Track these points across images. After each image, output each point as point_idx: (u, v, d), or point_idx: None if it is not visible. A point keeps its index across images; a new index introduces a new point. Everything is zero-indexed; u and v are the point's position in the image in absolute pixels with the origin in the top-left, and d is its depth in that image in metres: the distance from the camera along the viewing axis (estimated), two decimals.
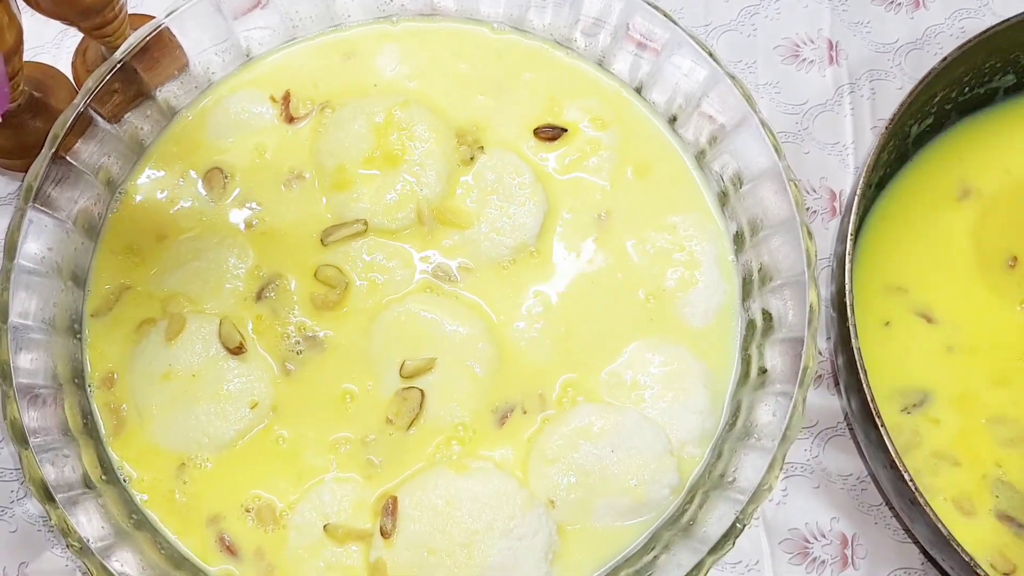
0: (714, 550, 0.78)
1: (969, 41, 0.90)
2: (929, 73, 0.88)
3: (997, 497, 0.88)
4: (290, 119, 0.95)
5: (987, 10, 1.09)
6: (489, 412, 0.87)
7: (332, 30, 0.99)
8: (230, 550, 0.84)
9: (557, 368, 0.89)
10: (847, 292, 0.83)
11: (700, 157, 0.95)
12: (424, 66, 0.98)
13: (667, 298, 0.91)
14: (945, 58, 0.89)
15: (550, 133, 0.95)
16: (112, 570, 0.78)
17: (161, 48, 0.93)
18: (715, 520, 0.81)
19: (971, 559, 0.78)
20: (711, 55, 0.91)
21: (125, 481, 0.85)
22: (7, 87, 0.70)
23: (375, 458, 0.86)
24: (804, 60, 1.07)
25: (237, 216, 0.92)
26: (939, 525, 0.78)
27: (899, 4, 1.09)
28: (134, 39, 0.91)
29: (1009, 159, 0.98)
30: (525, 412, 0.87)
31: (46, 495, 0.78)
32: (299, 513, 0.84)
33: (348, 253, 0.91)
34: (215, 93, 0.97)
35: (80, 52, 1.03)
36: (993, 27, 0.91)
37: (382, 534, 0.82)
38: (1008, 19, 0.91)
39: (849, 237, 0.85)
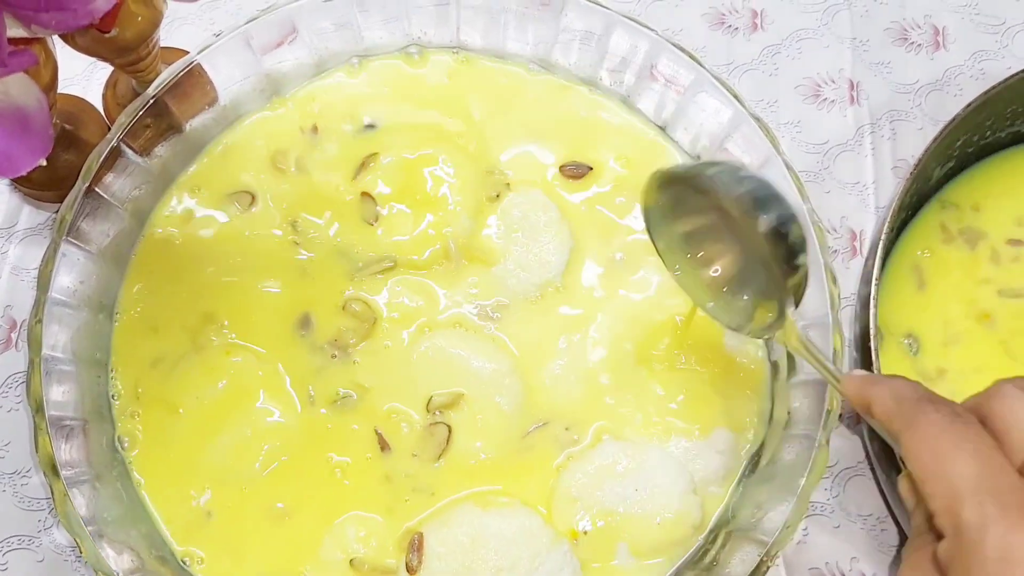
0: None
1: (994, 87, 0.91)
2: (953, 119, 0.89)
3: None
4: (327, 148, 0.96)
5: (1007, 52, 1.10)
6: (515, 447, 0.88)
7: (360, 63, 1.00)
8: None
9: (582, 405, 0.89)
10: (871, 337, 0.84)
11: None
12: (452, 101, 0.99)
13: (692, 336, 0.91)
14: (969, 104, 0.90)
15: (576, 171, 0.96)
16: None
17: (192, 83, 0.94)
18: (738, 561, 0.81)
19: None
20: (736, 97, 0.92)
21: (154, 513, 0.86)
22: (51, 129, 0.70)
23: (401, 493, 0.86)
24: (825, 100, 1.08)
25: (267, 247, 0.93)
26: None
27: (919, 45, 1.10)
28: (167, 75, 0.92)
29: None
30: (550, 449, 0.88)
31: (77, 528, 0.79)
32: (324, 548, 0.85)
33: (376, 287, 0.92)
34: (244, 124, 0.98)
35: (110, 85, 1.04)
36: (1017, 74, 0.92)
37: (408, 570, 0.83)
38: None
39: (874, 281, 0.86)
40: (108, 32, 0.83)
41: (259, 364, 0.88)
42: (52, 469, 0.80)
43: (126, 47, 0.86)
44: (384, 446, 0.87)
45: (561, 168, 0.96)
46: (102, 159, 0.89)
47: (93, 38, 0.83)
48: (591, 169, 0.96)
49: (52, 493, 0.80)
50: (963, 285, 0.96)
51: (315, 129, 0.98)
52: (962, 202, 0.99)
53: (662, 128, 0.99)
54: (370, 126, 0.98)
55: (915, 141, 1.05)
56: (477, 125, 0.98)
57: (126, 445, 0.87)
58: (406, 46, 1.01)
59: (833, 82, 1.09)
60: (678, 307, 0.92)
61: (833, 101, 1.08)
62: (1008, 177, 1.00)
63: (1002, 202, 0.99)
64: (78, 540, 0.78)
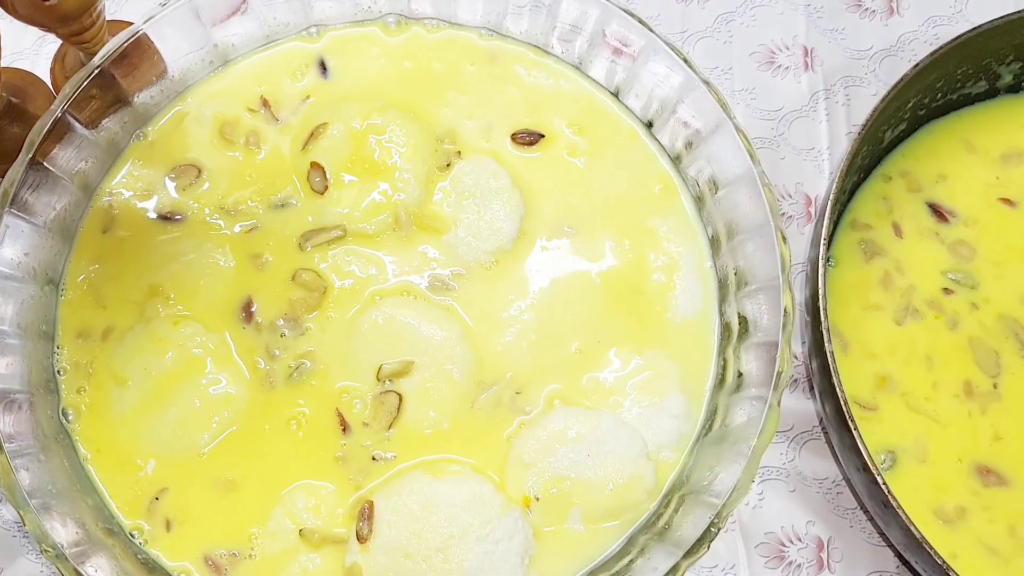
0: (689, 554, 0.78)
1: (941, 48, 0.91)
2: (902, 79, 0.89)
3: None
4: (276, 120, 0.96)
5: (960, 17, 1.10)
6: (466, 415, 0.87)
7: (309, 35, 0.99)
8: (207, 560, 0.84)
9: (534, 372, 0.89)
10: (821, 297, 0.84)
11: (677, 162, 0.96)
12: (403, 70, 0.98)
13: (645, 302, 0.91)
14: (917, 64, 0.90)
15: (528, 138, 0.96)
16: None
17: (139, 54, 0.93)
18: (690, 524, 0.81)
19: (944, 562, 0.78)
20: (686, 61, 0.91)
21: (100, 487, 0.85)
22: None
23: (351, 462, 0.85)
24: (779, 67, 1.08)
25: (216, 219, 0.92)
26: (912, 528, 0.78)
27: (873, 11, 1.10)
28: (112, 45, 0.91)
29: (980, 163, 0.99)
30: (502, 416, 0.88)
31: (21, 500, 0.78)
32: (274, 519, 0.84)
33: (326, 257, 0.91)
34: (192, 96, 0.97)
35: (59, 58, 1.03)
36: (965, 34, 0.92)
37: (358, 539, 0.82)
38: (980, 26, 0.92)
39: (823, 242, 0.85)
40: (47, 0, 0.82)
41: (207, 335, 0.87)
42: None
43: (68, 16, 0.85)
44: (345, 427, 0.86)
45: (513, 136, 0.96)
46: (46, 130, 0.87)
47: (33, 6, 0.82)
48: (543, 136, 0.96)
49: None
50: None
51: (264, 102, 0.97)
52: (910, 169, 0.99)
53: (614, 94, 0.98)
54: (318, 96, 0.97)
55: (869, 106, 1.03)
56: (427, 93, 0.97)
57: (71, 418, 0.87)
58: (358, 21, 1.00)
59: (787, 49, 1.08)
60: (632, 273, 0.92)
61: (787, 68, 1.08)
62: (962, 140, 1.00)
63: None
64: (21, 512, 0.77)
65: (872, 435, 0.88)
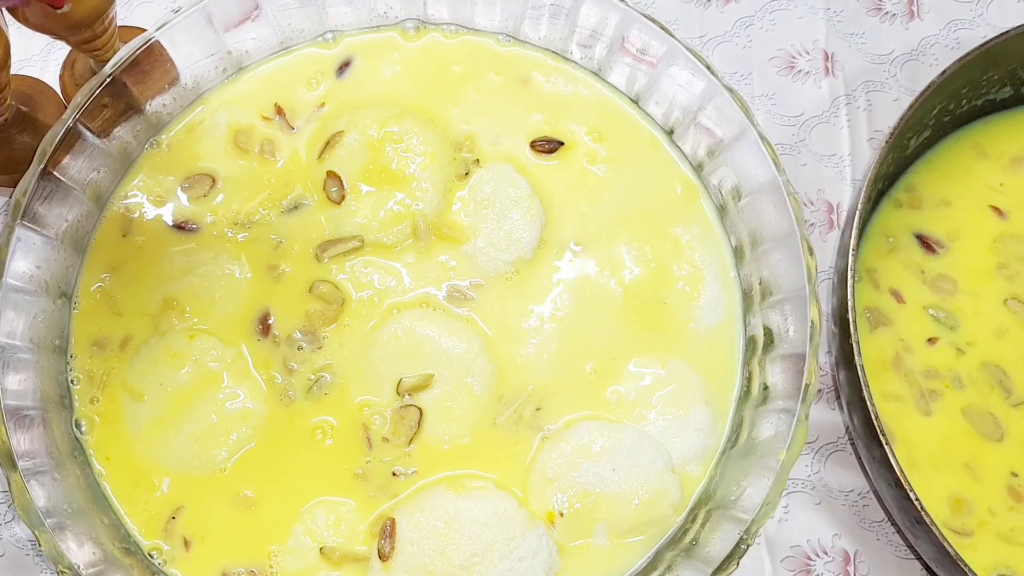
0: (719, 570, 0.77)
1: (968, 54, 0.89)
2: (928, 87, 0.88)
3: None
4: (291, 128, 0.94)
5: (981, 20, 1.09)
6: (488, 430, 0.86)
7: (325, 42, 0.97)
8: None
9: (556, 384, 0.88)
10: (850, 308, 0.82)
11: (699, 169, 0.94)
12: (420, 77, 0.97)
13: (668, 313, 0.90)
14: (944, 71, 0.89)
15: (547, 146, 0.94)
16: None
17: (151, 61, 0.91)
18: (718, 540, 0.80)
19: None
20: (708, 68, 0.90)
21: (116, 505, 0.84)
22: None
23: (372, 478, 0.84)
24: (800, 71, 1.06)
25: (231, 230, 0.91)
26: (945, 544, 0.77)
27: (894, 15, 1.09)
28: (124, 53, 0.89)
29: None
30: (524, 430, 0.86)
31: (36, 520, 0.76)
32: (294, 536, 0.83)
33: (344, 268, 0.90)
34: (206, 104, 0.95)
35: (68, 65, 1.01)
36: (992, 40, 0.90)
37: (380, 557, 0.81)
38: (1007, 31, 0.90)
39: (851, 252, 0.84)
40: (60, 8, 0.80)
41: (223, 349, 0.86)
42: (9, 460, 0.77)
43: (80, 24, 0.84)
44: (367, 442, 0.85)
45: (532, 143, 0.94)
46: (57, 141, 0.86)
47: (44, 14, 0.81)
48: (562, 144, 0.94)
49: (9, 485, 0.77)
50: None
51: (279, 110, 0.95)
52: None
53: (634, 101, 0.97)
54: (334, 103, 0.95)
55: (891, 112, 1.04)
56: (445, 100, 0.95)
57: (84, 429, 0.85)
58: (374, 27, 0.98)
59: (807, 53, 1.07)
60: (654, 282, 0.90)
61: (808, 72, 1.06)
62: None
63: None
64: (36, 533, 0.76)
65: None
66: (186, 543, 0.83)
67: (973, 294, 0.93)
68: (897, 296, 0.93)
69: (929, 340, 0.92)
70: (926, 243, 0.95)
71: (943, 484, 0.88)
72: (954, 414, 0.90)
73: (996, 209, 0.96)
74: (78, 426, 0.85)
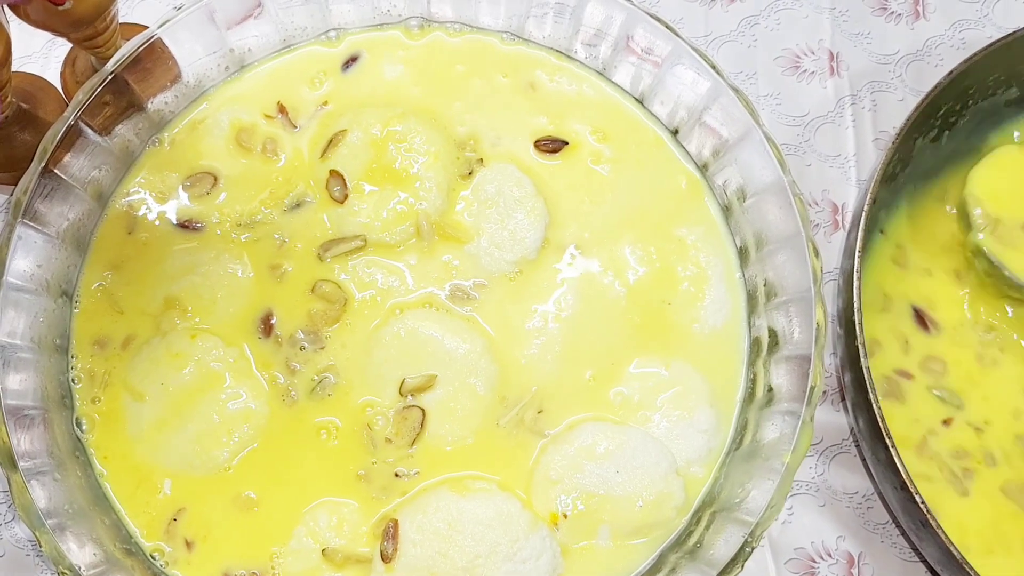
0: (723, 573, 0.77)
1: (975, 54, 0.89)
2: (935, 87, 0.88)
3: None
4: (293, 126, 0.93)
5: (987, 21, 1.08)
6: (491, 431, 0.86)
7: (328, 40, 0.97)
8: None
9: (559, 386, 0.87)
10: (856, 311, 0.82)
11: (704, 170, 0.94)
12: (424, 76, 0.96)
13: (672, 314, 0.89)
14: (951, 72, 0.88)
15: (551, 145, 0.94)
16: None
17: (153, 59, 0.91)
18: (723, 542, 0.79)
19: None
20: (714, 68, 0.90)
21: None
22: None
23: (374, 479, 0.84)
24: (805, 71, 1.06)
25: (233, 229, 0.90)
26: (951, 547, 0.77)
27: (899, 15, 1.08)
28: (125, 50, 0.88)
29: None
30: (527, 431, 0.86)
31: (36, 521, 0.76)
32: (295, 538, 0.82)
33: (346, 268, 0.89)
34: (208, 102, 0.95)
35: (69, 62, 1.00)
36: (999, 40, 0.90)
37: (382, 558, 0.80)
38: (1015, 32, 0.90)
39: (857, 254, 0.83)
40: (61, 4, 0.80)
41: (225, 349, 0.85)
42: (9, 460, 0.77)
43: (81, 21, 0.83)
44: (372, 443, 0.84)
45: (536, 143, 0.94)
46: (59, 138, 0.85)
47: (46, 11, 0.80)
48: (567, 144, 0.94)
49: (10, 486, 0.77)
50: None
51: (281, 108, 0.94)
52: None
53: (639, 100, 0.96)
54: (337, 102, 0.95)
55: (896, 112, 1.04)
56: (448, 99, 0.95)
57: (85, 428, 0.84)
58: (377, 24, 0.97)
59: (812, 53, 1.06)
60: (659, 283, 0.90)
61: (813, 72, 1.06)
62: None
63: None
64: (37, 534, 0.75)
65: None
66: (188, 544, 0.82)
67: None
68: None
69: (944, 422, 0.90)
70: (922, 319, 0.94)
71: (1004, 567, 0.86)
72: (994, 493, 0.88)
73: None
74: (79, 425, 0.85)
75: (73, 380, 0.86)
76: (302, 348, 0.87)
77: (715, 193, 0.93)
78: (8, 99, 0.90)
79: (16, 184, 0.85)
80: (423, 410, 0.85)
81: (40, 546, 0.76)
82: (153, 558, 0.82)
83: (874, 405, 0.80)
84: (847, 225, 0.99)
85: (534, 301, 0.90)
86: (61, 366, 0.86)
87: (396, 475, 0.84)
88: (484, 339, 0.87)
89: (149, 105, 0.92)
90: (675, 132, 0.95)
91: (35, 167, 0.84)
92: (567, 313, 0.89)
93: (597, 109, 0.96)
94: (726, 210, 0.93)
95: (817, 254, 0.84)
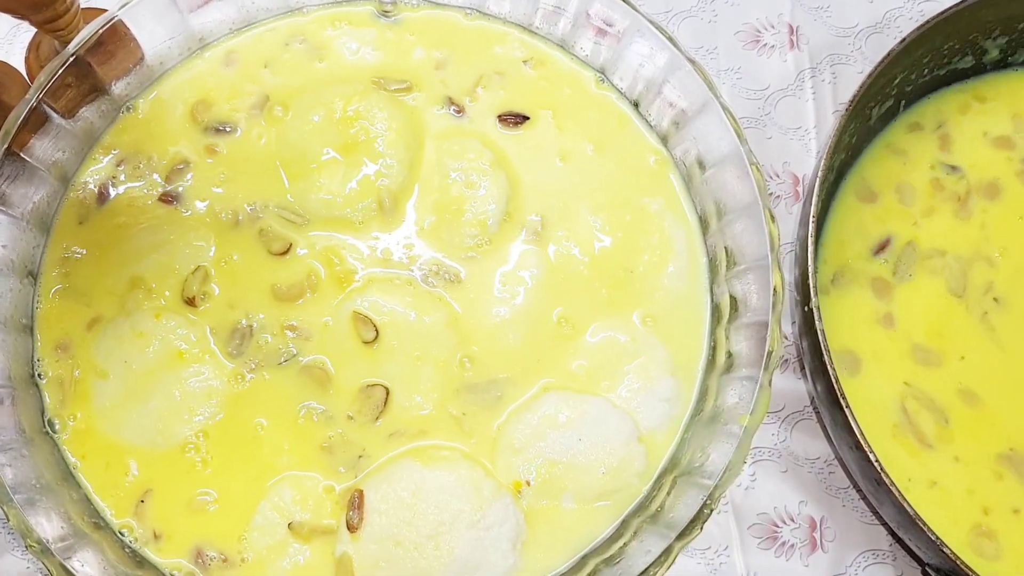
0: (682, 535, 0.78)
1: (928, 23, 0.90)
2: (888, 55, 0.89)
3: None
4: (256, 106, 0.94)
5: None
6: (455, 401, 0.86)
7: (289, 14, 0.98)
8: (196, 556, 0.82)
9: (524, 356, 0.88)
10: (810, 275, 0.83)
11: (664, 141, 0.95)
12: (386, 52, 0.97)
13: (636, 283, 0.90)
14: (903, 39, 0.89)
15: (514, 119, 0.95)
16: (73, 571, 0.76)
17: (115, 42, 0.91)
18: (683, 506, 0.80)
19: (938, 538, 0.78)
20: (671, 40, 0.90)
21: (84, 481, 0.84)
22: None
23: (338, 453, 0.84)
24: (765, 45, 1.07)
25: (197, 208, 0.91)
26: (905, 505, 0.78)
27: None
28: (86, 32, 0.89)
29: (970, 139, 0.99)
30: (491, 401, 0.87)
31: (4, 496, 0.77)
32: (260, 512, 0.83)
33: (311, 245, 0.90)
34: (170, 83, 0.95)
35: (33, 47, 1.01)
36: (951, 8, 0.91)
37: (348, 528, 0.81)
38: (966, 0, 0.91)
39: (812, 220, 0.85)
40: None
41: (188, 328, 0.86)
42: None
43: (41, 2, 0.84)
44: (331, 417, 0.85)
45: (499, 116, 0.95)
46: (21, 120, 0.86)
47: None
48: (528, 118, 0.95)
49: None
50: None
51: (242, 87, 0.95)
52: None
53: (600, 73, 0.97)
54: (299, 80, 0.95)
55: (856, 84, 1.03)
56: (411, 75, 0.96)
57: (57, 428, 0.85)
58: (339, 1, 0.98)
59: (772, 27, 1.07)
60: (622, 253, 0.91)
61: (773, 46, 1.07)
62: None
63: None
64: (4, 509, 0.76)
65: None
66: (155, 522, 0.83)
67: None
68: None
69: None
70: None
71: None
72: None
73: None
74: (47, 418, 0.85)
75: (39, 359, 0.86)
76: (265, 325, 0.88)
77: (676, 164, 0.94)
78: None
79: None
80: (387, 388, 0.86)
81: (8, 520, 0.76)
82: (122, 534, 0.83)
83: (829, 368, 0.81)
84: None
85: (497, 273, 0.90)
86: (27, 345, 0.87)
87: (360, 456, 0.84)
88: (447, 311, 0.88)
89: (112, 87, 0.93)
90: (636, 104, 0.96)
91: None
92: (531, 284, 0.90)
93: (559, 83, 0.96)
94: (687, 180, 0.94)
95: (773, 220, 0.84)
